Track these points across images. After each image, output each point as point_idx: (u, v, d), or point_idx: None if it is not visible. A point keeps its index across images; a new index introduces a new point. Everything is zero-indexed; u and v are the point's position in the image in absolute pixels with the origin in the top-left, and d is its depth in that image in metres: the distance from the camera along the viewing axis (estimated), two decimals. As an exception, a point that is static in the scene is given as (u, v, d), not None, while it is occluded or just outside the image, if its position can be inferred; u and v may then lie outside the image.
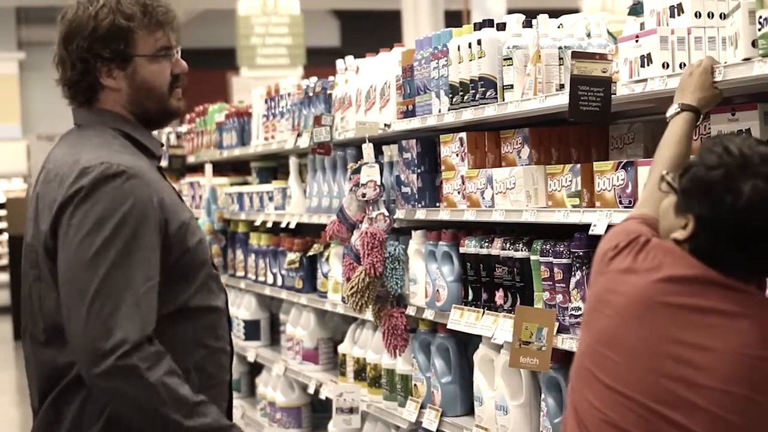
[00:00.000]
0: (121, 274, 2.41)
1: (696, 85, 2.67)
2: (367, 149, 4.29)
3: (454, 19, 13.03)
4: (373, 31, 15.85)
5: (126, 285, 2.40)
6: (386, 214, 4.21)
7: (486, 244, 3.68)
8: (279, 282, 5.73)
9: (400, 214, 4.20)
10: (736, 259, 2.25)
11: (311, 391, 5.22)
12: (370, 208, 4.25)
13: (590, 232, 3.09)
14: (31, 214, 2.58)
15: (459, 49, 3.71)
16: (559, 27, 3.49)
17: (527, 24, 3.57)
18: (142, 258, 2.43)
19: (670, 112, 2.70)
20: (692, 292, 2.24)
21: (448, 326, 3.82)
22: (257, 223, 5.96)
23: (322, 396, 5.07)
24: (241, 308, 6.39)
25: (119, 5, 2.58)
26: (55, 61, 2.65)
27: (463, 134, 3.77)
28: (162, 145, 2.76)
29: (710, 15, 2.84)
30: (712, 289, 2.24)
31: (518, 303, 3.50)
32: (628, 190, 3.03)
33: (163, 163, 8.16)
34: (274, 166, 6.42)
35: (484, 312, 3.66)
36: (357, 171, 4.30)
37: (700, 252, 2.27)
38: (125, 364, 2.37)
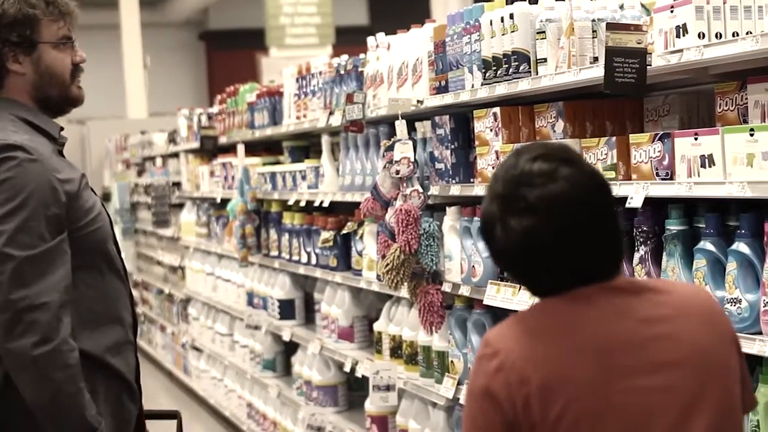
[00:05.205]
0: None
1: None
2: (400, 126, 4.28)
3: (483, -6, 12.99)
4: (401, 9, 15.80)
5: None
6: (420, 190, 4.20)
7: (521, 219, 3.65)
8: (313, 261, 5.73)
9: (434, 190, 4.19)
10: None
11: (347, 369, 5.23)
12: (404, 185, 4.24)
13: (627, 206, 3.07)
14: None
15: (491, 24, 3.69)
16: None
17: (560, -3, 3.55)
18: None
19: None
20: None
21: (485, 302, 3.82)
22: (290, 203, 5.97)
23: (359, 374, 5.08)
24: (276, 288, 6.40)
25: None
26: None
27: (497, 109, 3.75)
28: (62, 129, 2.87)
29: (746, -17, 2.81)
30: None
31: (555, 277, 3.49)
32: (665, 162, 3.01)
33: (195, 145, 8.19)
34: (306, 145, 6.42)
35: (520, 287, 3.64)
36: (390, 148, 4.29)
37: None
38: None
